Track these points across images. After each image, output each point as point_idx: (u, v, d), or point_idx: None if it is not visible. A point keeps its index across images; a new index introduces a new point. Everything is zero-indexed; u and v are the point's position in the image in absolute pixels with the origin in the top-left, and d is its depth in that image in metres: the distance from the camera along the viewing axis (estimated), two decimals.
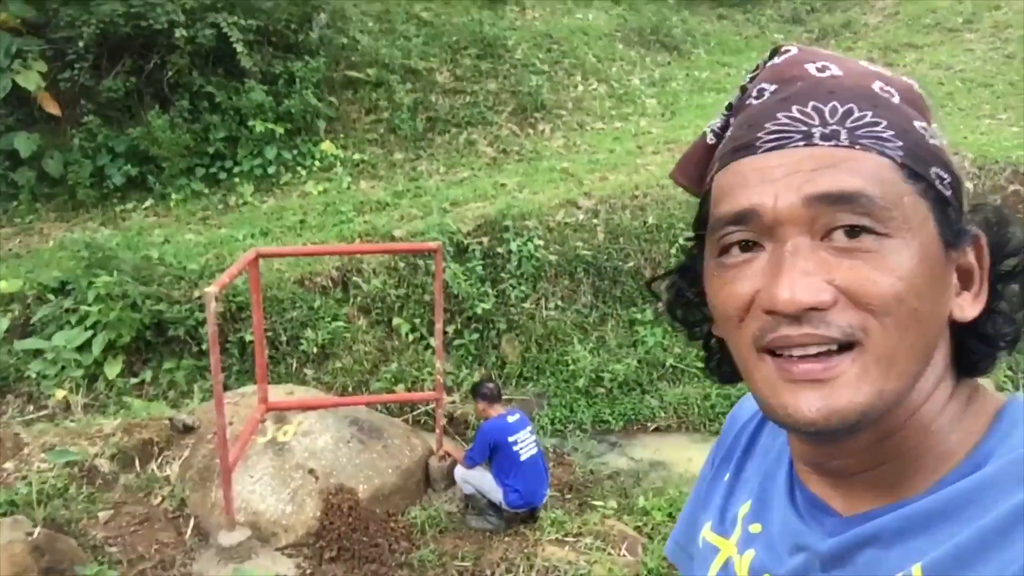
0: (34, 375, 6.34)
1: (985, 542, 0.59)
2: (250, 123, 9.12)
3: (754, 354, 0.66)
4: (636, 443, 6.62)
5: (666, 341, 7.22)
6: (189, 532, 4.74)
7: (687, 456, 6.21)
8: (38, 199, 8.86)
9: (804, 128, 0.65)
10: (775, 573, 0.74)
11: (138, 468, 5.11)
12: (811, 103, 0.66)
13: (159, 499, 4.94)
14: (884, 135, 0.65)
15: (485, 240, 7.35)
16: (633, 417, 6.80)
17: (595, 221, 7.69)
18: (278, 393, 5.60)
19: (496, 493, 5.02)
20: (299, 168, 9.29)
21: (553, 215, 7.63)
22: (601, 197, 7.86)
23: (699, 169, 0.76)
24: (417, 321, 7.12)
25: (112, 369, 6.56)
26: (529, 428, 5.16)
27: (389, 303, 7.13)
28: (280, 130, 9.18)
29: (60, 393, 6.10)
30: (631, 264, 7.58)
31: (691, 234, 0.79)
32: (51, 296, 6.87)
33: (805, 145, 0.65)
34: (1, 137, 8.73)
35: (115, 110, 9.19)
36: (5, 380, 6.48)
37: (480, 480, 5.08)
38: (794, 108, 0.66)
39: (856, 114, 0.65)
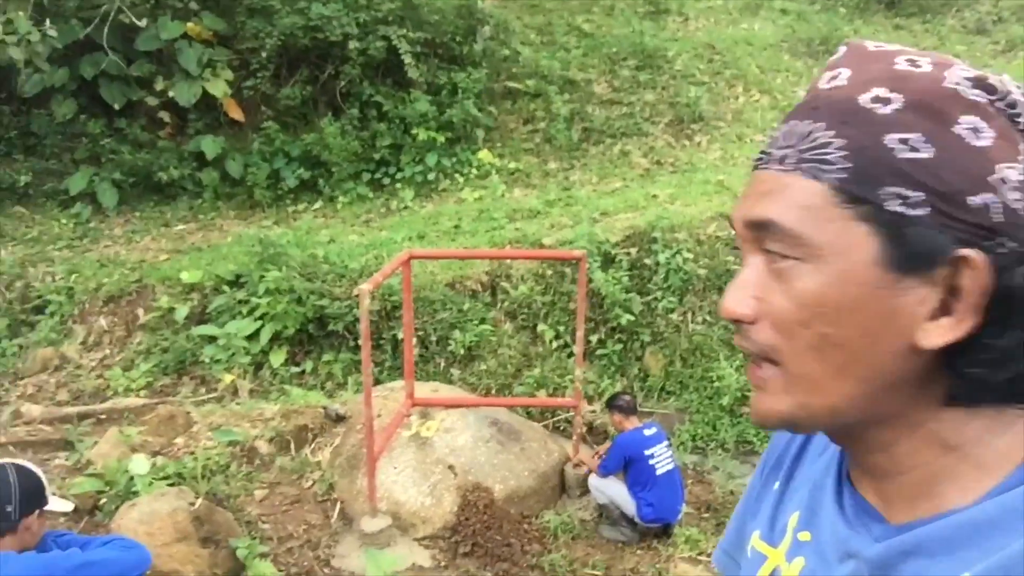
0: (207, 360, 6.87)
1: None
2: (414, 131, 9.51)
3: None
4: None
5: None
6: (335, 516, 5.00)
7: None
8: (220, 198, 9.60)
9: (773, 150, 0.69)
10: None
11: (293, 452, 5.44)
12: (791, 121, 0.69)
13: (310, 482, 5.24)
14: (829, 157, 0.64)
15: (633, 251, 7.31)
16: None
17: None
18: (424, 390, 5.81)
19: (629, 506, 4.99)
20: (457, 175, 9.59)
21: (704, 228, 7.49)
22: None
23: None
24: (561, 328, 7.17)
25: (277, 358, 7.02)
26: (666, 443, 5.09)
27: (535, 309, 7.23)
28: (441, 139, 9.52)
29: (228, 378, 6.59)
30: None
31: None
32: (226, 288, 7.42)
33: (764, 167, 0.69)
34: (191, 140, 9.52)
35: (292, 117, 9.84)
36: (183, 363, 7.07)
37: (614, 491, 5.06)
38: (787, 124, 0.70)
39: (813, 135, 0.66)
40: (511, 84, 10.27)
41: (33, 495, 2.46)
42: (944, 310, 0.63)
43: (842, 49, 0.72)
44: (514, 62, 10.46)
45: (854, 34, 12.06)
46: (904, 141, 0.63)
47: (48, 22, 7.87)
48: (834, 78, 0.69)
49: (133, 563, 2.56)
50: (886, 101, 0.64)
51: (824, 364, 0.64)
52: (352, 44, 9.14)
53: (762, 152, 0.71)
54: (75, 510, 4.25)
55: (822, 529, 0.76)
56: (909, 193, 0.62)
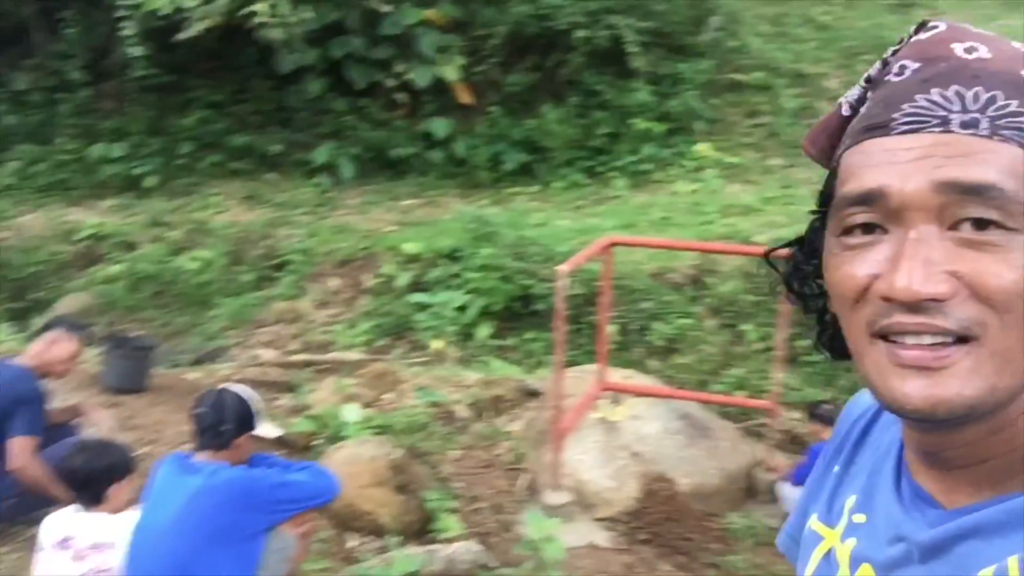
0: (420, 326, 7.34)
1: None
2: (632, 121, 9.55)
3: (866, 338, 0.66)
4: None
5: None
6: (521, 485, 5.21)
7: None
8: (444, 176, 10.15)
9: (942, 113, 0.63)
10: (874, 561, 0.74)
11: (488, 419, 5.71)
12: (953, 87, 0.64)
13: (501, 450, 5.48)
14: None
15: None
16: None
17: None
18: (618, 376, 5.87)
19: None
20: (672, 167, 9.52)
21: None
22: None
23: (831, 140, 0.75)
24: (767, 330, 6.95)
25: (483, 331, 7.36)
26: None
27: (740, 307, 7.07)
28: (659, 129, 9.49)
29: (437, 344, 7.00)
30: None
31: (815, 209, 0.78)
32: (443, 261, 7.88)
33: (942, 131, 0.63)
34: (423, 121, 10.13)
35: (516, 102, 10.20)
36: (399, 327, 7.60)
37: None
38: (934, 91, 0.64)
39: (1000, 102, 0.62)
40: (737, 76, 10.01)
41: (247, 418, 2.81)
42: None
43: (941, 24, 0.70)
44: (742, 53, 10.19)
45: None
46: None
47: (306, 5, 8.66)
48: (971, 51, 0.66)
49: (324, 488, 2.87)
50: None
51: (1023, 340, 0.62)
52: (578, 33, 9.31)
53: (917, 116, 0.65)
54: (290, 446, 4.74)
55: (877, 512, 0.77)
56: None
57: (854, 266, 0.66)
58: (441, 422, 5.49)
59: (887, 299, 0.63)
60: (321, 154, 10.07)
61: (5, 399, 3.47)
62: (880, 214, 0.65)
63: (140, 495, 2.89)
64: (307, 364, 6.08)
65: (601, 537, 4.80)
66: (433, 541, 4.16)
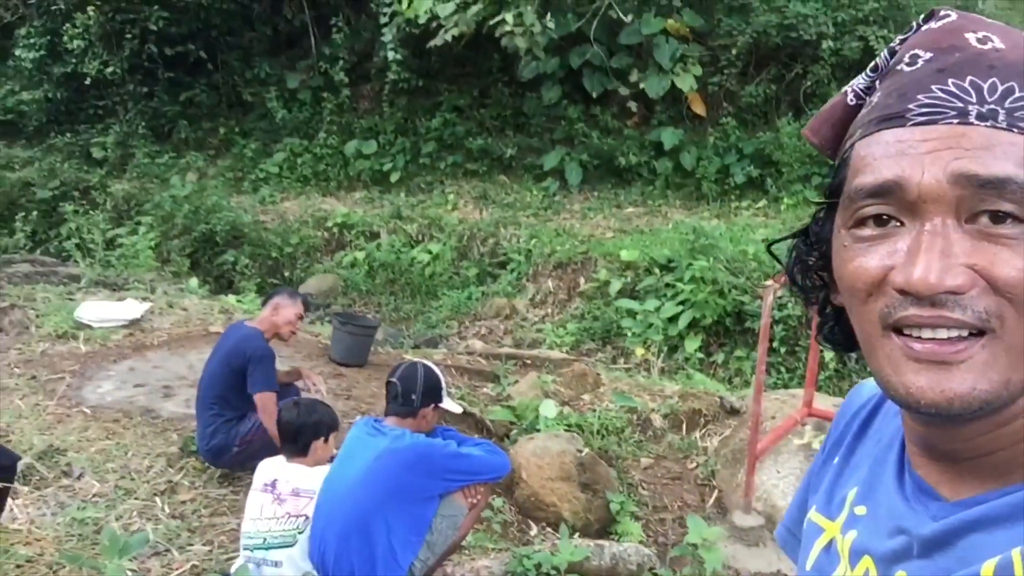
0: (627, 332, 7.37)
1: None
2: None
3: (879, 330, 0.64)
4: None
5: None
6: (711, 501, 5.09)
7: None
8: (670, 187, 10.10)
9: (960, 104, 0.62)
10: (874, 553, 0.72)
11: (684, 432, 5.63)
12: (969, 77, 0.62)
13: (694, 464, 5.39)
14: None
15: None
16: None
17: None
18: (827, 403, 5.57)
19: None
20: None
21: None
22: None
23: (835, 130, 0.73)
24: None
25: (691, 344, 7.26)
26: None
27: None
28: None
29: (640, 351, 7.00)
30: None
31: (821, 200, 0.74)
32: (657, 270, 7.85)
33: (959, 122, 0.61)
34: (653, 130, 10.14)
35: (751, 114, 9.93)
36: (607, 332, 7.68)
37: None
38: (950, 81, 0.63)
39: (1017, 94, 0.61)
40: None
41: (433, 390, 3.01)
42: None
43: (952, 14, 0.67)
44: None
45: None
46: None
47: (549, 15, 8.98)
48: (985, 41, 0.64)
49: (495, 465, 3.00)
50: None
51: None
52: (825, 43, 8.90)
53: (933, 107, 0.64)
54: (487, 431, 4.96)
55: (879, 504, 0.75)
56: None
57: (868, 258, 0.65)
58: (635, 428, 5.50)
59: (903, 292, 0.62)
60: (551, 159, 10.38)
61: (241, 356, 3.94)
62: (896, 206, 0.64)
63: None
64: (512, 358, 6.31)
65: (788, 566, 4.59)
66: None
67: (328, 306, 8.73)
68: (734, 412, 5.66)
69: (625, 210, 9.90)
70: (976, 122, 0.62)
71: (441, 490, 2.89)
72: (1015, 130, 0.61)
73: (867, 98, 0.71)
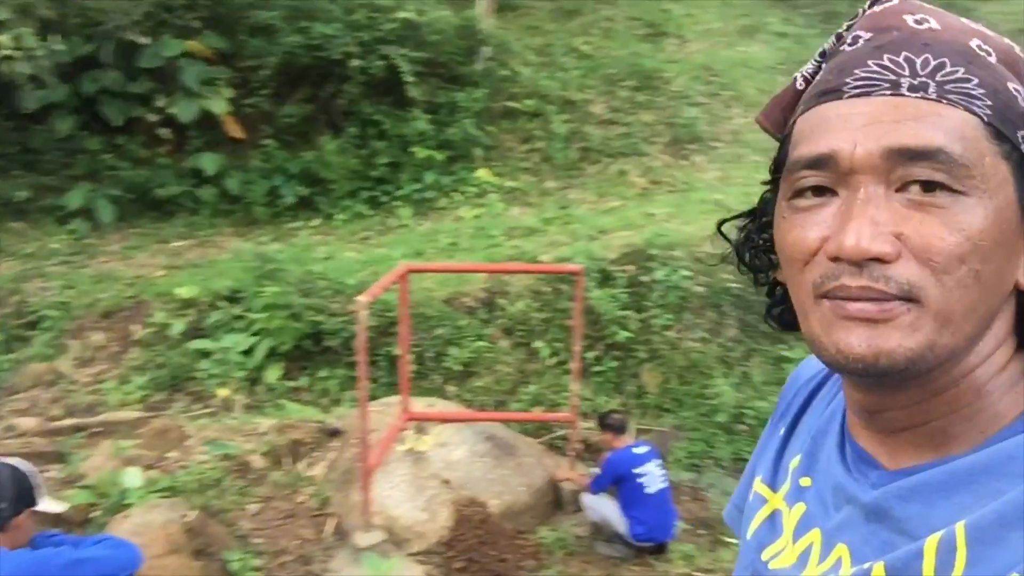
0: (203, 374, 6.84)
1: None
2: (412, 150, 9.56)
3: (812, 299, 0.66)
4: None
5: None
6: (329, 530, 4.96)
7: None
8: (218, 214, 9.61)
9: (893, 77, 0.65)
10: (823, 527, 0.74)
11: (287, 466, 5.41)
12: (904, 53, 0.66)
13: (304, 497, 5.20)
14: (974, 92, 0.64)
15: (630, 268, 7.32)
16: None
17: None
18: (420, 405, 5.79)
19: (621, 524, 4.95)
20: (455, 193, 9.62)
21: (701, 246, 7.50)
22: None
23: (785, 114, 0.76)
24: (558, 345, 7.16)
25: (272, 373, 6.99)
26: (657, 461, 5.07)
27: (531, 326, 7.22)
28: (440, 157, 9.56)
29: (223, 392, 6.56)
30: None
31: (767, 178, 0.79)
32: (223, 303, 7.41)
33: (892, 94, 0.64)
34: (190, 157, 9.55)
35: (291, 134, 9.88)
36: (177, 378, 7.03)
37: (606, 509, 5.03)
38: (885, 57, 0.66)
39: (947, 68, 0.64)
40: (510, 104, 10.33)
41: (25, 494, 2.45)
42: None
43: (891, 2, 0.72)
44: (513, 82, 10.54)
45: None
46: (1018, 92, 0.66)
47: (54, 37, 7.91)
48: (922, 22, 0.69)
49: (125, 561, 2.54)
50: (988, 52, 0.67)
51: (964, 302, 0.63)
52: (353, 63, 9.20)
53: (868, 80, 0.66)
54: (66, 522, 4.21)
55: (821, 475, 0.78)
56: None
57: (805, 229, 0.67)
58: (235, 475, 5.13)
59: (835, 259, 0.64)
60: (75, 198, 9.18)
61: None
62: (830, 177, 0.65)
63: None
64: (77, 429, 5.46)
65: (417, 572, 4.67)
66: None
67: None
68: (336, 434, 5.59)
69: (172, 244, 9.17)
70: (908, 94, 0.64)
71: None
72: (944, 101, 0.63)
73: (814, 80, 0.73)
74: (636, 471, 4.92)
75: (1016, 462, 0.62)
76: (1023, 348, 0.69)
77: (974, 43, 0.67)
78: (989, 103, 0.63)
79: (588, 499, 5.14)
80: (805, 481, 0.80)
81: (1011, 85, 0.66)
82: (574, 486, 5.36)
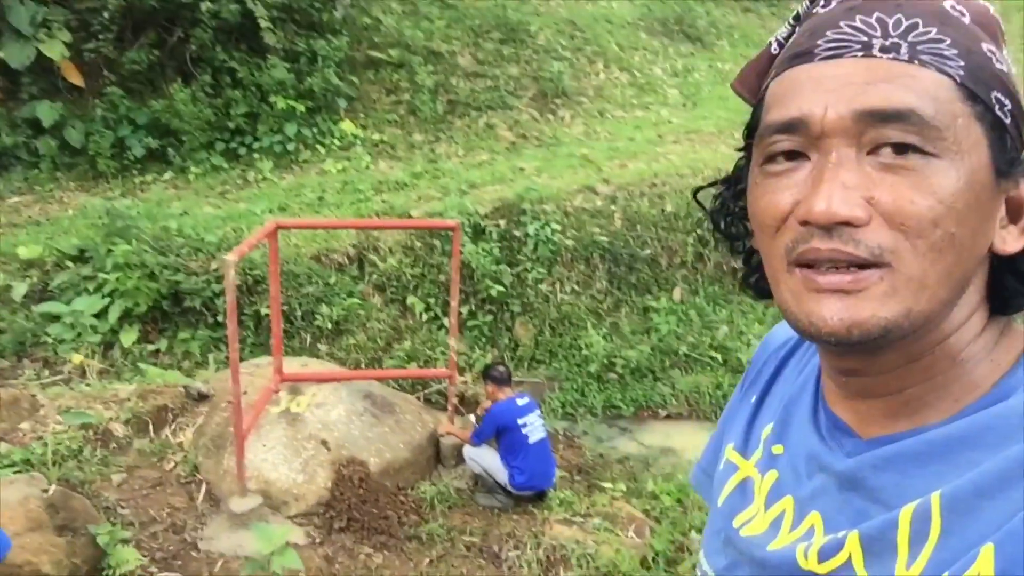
0: (51, 340, 6.38)
1: (1006, 472, 0.58)
2: (271, 100, 9.14)
3: (784, 265, 0.65)
4: (646, 429, 6.63)
5: (680, 329, 7.21)
6: (201, 498, 4.78)
7: (698, 443, 6.21)
8: (59, 168, 8.91)
9: (864, 39, 0.64)
10: (796, 495, 0.74)
11: (152, 434, 5.15)
12: (876, 14, 0.65)
13: (172, 464, 4.98)
14: (946, 53, 0.63)
15: (502, 223, 7.35)
16: (644, 404, 6.81)
17: (613, 208, 7.68)
18: (293, 365, 5.63)
19: (502, 474, 5.04)
20: (318, 146, 9.31)
21: (571, 200, 7.62)
22: (619, 184, 7.84)
23: (760, 79, 0.75)
24: (431, 301, 7.13)
25: (128, 337, 6.61)
26: (537, 412, 5.17)
27: (404, 282, 7.15)
28: (301, 108, 9.20)
29: (76, 358, 6.15)
30: (647, 252, 7.57)
31: (741, 144, 0.77)
32: (69, 263, 6.91)
33: (863, 56, 0.63)
34: (24, 106, 8.77)
35: (137, 82, 9.23)
36: (22, 344, 6.53)
37: (487, 460, 5.10)
38: (858, 18, 0.65)
39: (920, 29, 0.63)
40: (373, 54, 10.05)
41: None
42: (1012, 219, 0.67)
43: None
44: (376, 31, 10.24)
45: (706, 15, 12.56)
46: (992, 53, 0.65)
47: None
48: None
49: None
50: (961, 13, 0.66)
51: (938, 266, 0.62)
52: (204, 6, 8.65)
53: (840, 41, 0.64)
54: None
55: (794, 443, 0.77)
56: (1007, 101, 0.64)
57: (777, 194, 0.65)
58: (97, 445, 4.84)
59: (805, 223, 0.62)
60: None
61: None
62: (802, 141, 0.64)
63: None
64: None
65: (297, 535, 4.59)
66: None
67: None
68: (203, 398, 5.37)
69: (9, 200, 8.44)
70: (879, 55, 0.63)
71: None
72: (916, 62, 0.62)
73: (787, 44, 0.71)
74: (520, 421, 5.00)
75: (991, 433, 0.62)
76: (996, 314, 0.69)
77: (947, 3, 0.66)
78: (962, 64, 0.63)
79: (470, 451, 5.19)
80: (777, 449, 0.79)
81: (985, 46, 0.65)
82: (457, 440, 5.39)
